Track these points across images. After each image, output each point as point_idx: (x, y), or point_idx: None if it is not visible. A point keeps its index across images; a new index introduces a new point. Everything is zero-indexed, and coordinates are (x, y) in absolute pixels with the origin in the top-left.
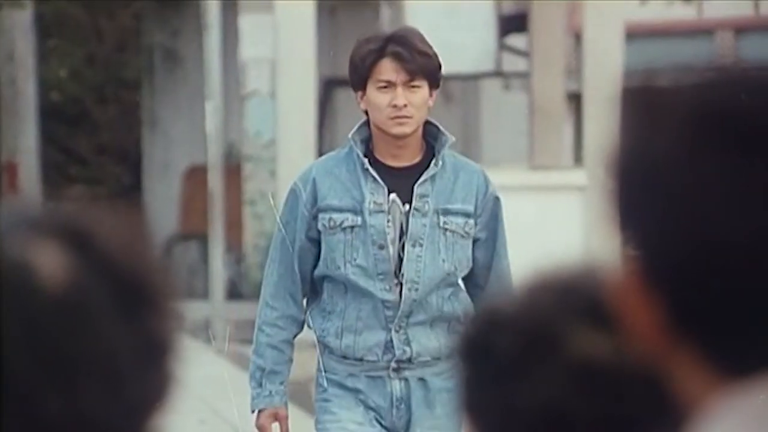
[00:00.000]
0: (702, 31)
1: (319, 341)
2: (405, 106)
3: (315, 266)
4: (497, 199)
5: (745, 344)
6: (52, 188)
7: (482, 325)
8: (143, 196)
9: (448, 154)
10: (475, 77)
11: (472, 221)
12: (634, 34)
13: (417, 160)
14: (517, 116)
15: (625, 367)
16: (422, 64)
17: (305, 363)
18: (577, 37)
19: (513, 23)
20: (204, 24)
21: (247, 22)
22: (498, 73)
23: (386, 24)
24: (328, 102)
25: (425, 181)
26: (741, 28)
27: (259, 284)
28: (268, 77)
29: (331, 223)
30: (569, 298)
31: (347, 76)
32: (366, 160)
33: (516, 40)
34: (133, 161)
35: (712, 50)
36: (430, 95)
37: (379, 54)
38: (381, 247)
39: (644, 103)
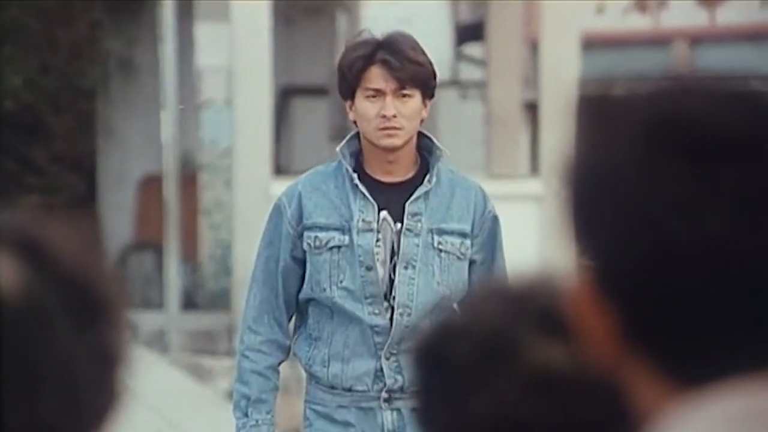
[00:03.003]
0: (658, 41)
1: (305, 370)
2: (394, 116)
3: (300, 288)
4: (496, 218)
5: (698, 353)
6: (7, 198)
7: (438, 334)
8: (98, 206)
9: (444, 169)
10: None
11: (468, 242)
12: (591, 44)
13: (410, 175)
14: (474, 125)
15: (580, 376)
16: (413, 73)
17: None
18: (534, 47)
19: (470, 32)
20: (160, 32)
21: (203, 31)
22: (455, 83)
23: (343, 33)
24: (284, 111)
25: (418, 198)
26: (697, 38)
27: (214, 294)
28: (224, 86)
29: (317, 243)
30: (524, 307)
31: (304, 84)
32: (355, 175)
33: (473, 50)
34: (88, 170)
35: (668, 60)
36: (424, 105)
37: (368, 61)
38: (369, 269)
39: (600, 112)
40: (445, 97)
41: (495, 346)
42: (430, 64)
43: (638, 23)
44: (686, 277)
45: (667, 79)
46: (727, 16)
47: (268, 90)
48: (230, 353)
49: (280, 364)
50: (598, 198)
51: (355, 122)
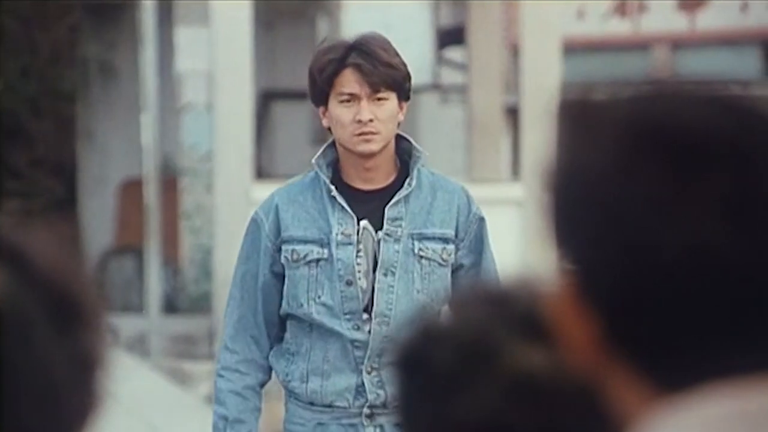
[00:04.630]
0: (639, 45)
1: (283, 386)
2: (371, 120)
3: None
4: (482, 219)
5: (679, 358)
6: None
7: (418, 338)
8: (78, 210)
9: (425, 172)
10: (412, 90)
11: (451, 247)
12: (572, 49)
13: (390, 180)
14: (455, 130)
15: (562, 381)
16: (386, 76)
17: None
18: (515, 51)
19: (450, 36)
20: (140, 36)
21: (183, 35)
22: (435, 87)
23: (323, 37)
24: (265, 115)
25: (398, 202)
26: (677, 43)
27: (195, 298)
28: (204, 90)
29: (295, 256)
30: (505, 312)
31: (285, 88)
32: (333, 187)
33: (454, 54)
34: (68, 175)
35: (649, 65)
36: (400, 108)
37: (340, 65)
38: (349, 284)
39: (581, 117)
40: (425, 101)
41: (476, 351)
42: (404, 65)
43: (619, 28)
44: (668, 282)
45: (647, 84)
46: (708, 21)
47: (249, 94)
48: (211, 357)
49: (262, 385)
50: (580, 203)
51: (329, 129)
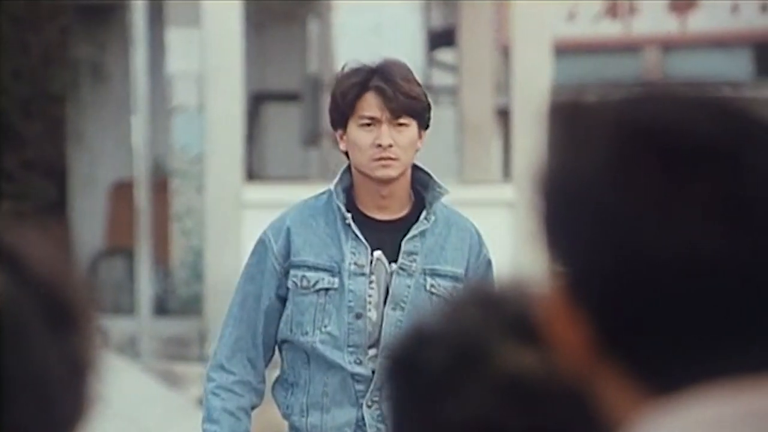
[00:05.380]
0: (629, 47)
1: (284, 418)
2: (390, 146)
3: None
4: (489, 263)
5: (671, 360)
6: None
7: (409, 342)
8: (69, 212)
9: (440, 206)
10: None
11: (460, 286)
12: (563, 51)
13: (405, 212)
14: (446, 131)
15: (553, 383)
16: (406, 105)
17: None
18: (506, 53)
19: (441, 38)
20: (130, 38)
21: (174, 36)
22: (426, 88)
23: (314, 39)
24: (256, 116)
25: (414, 236)
26: (668, 45)
27: (186, 300)
28: (195, 91)
29: (304, 282)
30: (497, 314)
31: (276, 90)
32: (348, 215)
33: (444, 55)
34: (58, 176)
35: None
36: (419, 136)
37: (362, 88)
38: (358, 317)
39: (572, 119)
40: None
41: (467, 353)
42: (425, 95)
43: (609, 29)
44: (659, 285)
45: (639, 86)
46: (698, 23)
47: (240, 95)
48: (202, 359)
49: (253, 408)
50: (571, 205)
51: (346, 154)
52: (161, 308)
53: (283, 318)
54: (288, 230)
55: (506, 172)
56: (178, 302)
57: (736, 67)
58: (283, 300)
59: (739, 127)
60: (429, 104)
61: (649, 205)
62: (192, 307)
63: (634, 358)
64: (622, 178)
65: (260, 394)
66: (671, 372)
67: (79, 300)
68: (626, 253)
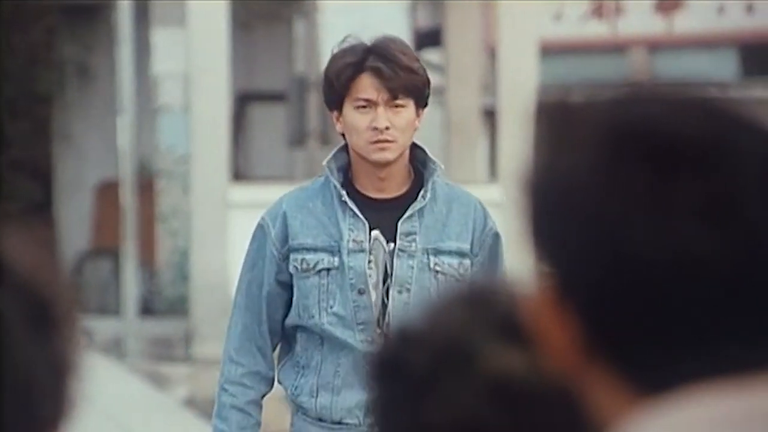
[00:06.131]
0: (616, 47)
1: (291, 400)
2: (387, 128)
3: (286, 314)
4: (497, 235)
5: (659, 361)
6: None
7: (394, 342)
8: (55, 212)
9: (440, 183)
10: None
11: (467, 261)
12: (549, 51)
13: (404, 190)
14: (432, 131)
15: (540, 384)
16: (406, 81)
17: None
18: (492, 53)
19: (428, 38)
20: (116, 38)
21: (159, 36)
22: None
23: (300, 39)
24: (242, 116)
25: (411, 216)
26: (655, 46)
27: (172, 300)
28: (180, 91)
29: (304, 265)
30: (483, 314)
31: (262, 90)
32: (344, 192)
33: (431, 56)
34: (44, 176)
35: (626, 67)
36: (417, 116)
37: (358, 68)
38: (361, 293)
39: (559, 119)
40: None
41: (453, 354)
42: (424, 70)
43: (596, 30)
44: (647, 285)
45: (625, 87)
46: (684, 24)
47: (226, 96)
48: (187, 360)
49: (263, 397)
50: (558, 205)
51: (342, 134)
52: (147, 309)
53: (293, 304)
54: (284, 214)
55: (492, 172)
56: (163, 303)
57: (722, 67)
58: (285, 285)
59: (725, 128)
60: (428, 80)
61: (637, 205)
62: (178, 307)
63: (622, 359)
64: (609, 179)
65: (270, 383)
66: (659, 372)
67: (63, 301)
68: (613, 253)
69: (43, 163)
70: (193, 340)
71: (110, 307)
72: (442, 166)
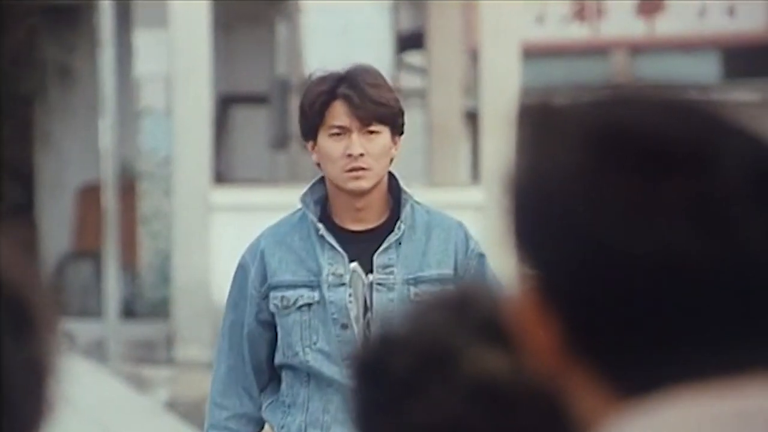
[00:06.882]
0: (598, 50)
1: None
2: (362, 155)
3: (271, 354)
4: (482, 256)
5: (642, 362)
6: None
7: (377, 345)
8: (36, 214)
9: (419, 210)
10: None
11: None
12: (531, 54)
13: (383, 220)
14: (414, 134)
15: (522, 385)
16: (375, 113)
17: None
18: (474, 55)
19: (410, 40)
20: (98, 39)
21: (141, 38)
22: (395, 91)
23: (283, 40)
24: (224, 119)
25: (388, 248)
26: (636, 48)
27: (154, 303)
28: (163, 93)
29: (284, 302)
30: (465, 316)
31: (244, 92)
32: (321, 226)
33: (413, 58)
34: (25, 179)
35: (608, 70)
36: (393, 142)
37: (330, 96)
38: (344, 327)
39: (542, 122)
40: None
41: (435, 356)
42: (396, 101)
43: (578, 32)
44: (630, 287)
45: (607, 89)
46: (666, 26)
47: (208, 98)
48: (169, 363)
49: None
50: (541, 207)
51: (318, 164)
52: (129, 311)
53: (277, 343)
54: (262, 252)
55: (475, 174)
56: (145, 305)
57: (704, 69)
58: (266, 324)
59: (707, 130)
60: (401, 110)
61: (619, 207)
62: (160, 310)
63: (604, 360)
64: (591, 181)
65: (260, 424)
66: (642, 374)
67: (43, 304)
68: (596, 255)
69: (24, 164)
70: (174, 342)
71: (92, 310)
72: (413, 198)
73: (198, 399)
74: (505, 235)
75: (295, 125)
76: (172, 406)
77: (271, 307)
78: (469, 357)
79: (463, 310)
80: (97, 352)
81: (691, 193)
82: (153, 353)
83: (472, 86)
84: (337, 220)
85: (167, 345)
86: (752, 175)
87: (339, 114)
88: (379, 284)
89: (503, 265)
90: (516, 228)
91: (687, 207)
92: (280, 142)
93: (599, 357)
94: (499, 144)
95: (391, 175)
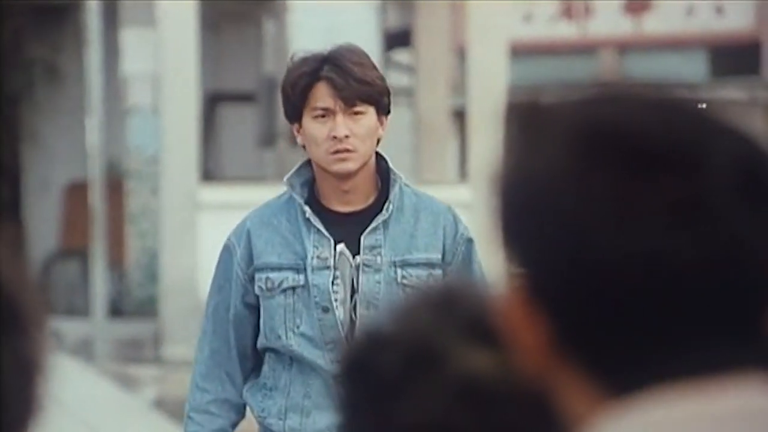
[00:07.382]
0: (586, 48)
1: (258, 423)
2: (347, 136)
3: (256, 338)
4: (470, 241)
5: (629, 361)
6: None
7: (364, 344)
8: (23, 213)
9: (408, 192)
10: None
11: (438, 272)
12: (519, 52)
13: (371, 201)
14: (402, 132)
15: (510, 385)
16: (360, 92)
17: None
18: (462, 54)
19: (398, 38)
20: (85, 38)
21: (128, 37)
22: None
23: (270, 39)
24: (211, 117)
25: (375, 229)
26: (624, 46)
27: (141, 302)
28: (150, 92)
29: (269, 284)
30: (452, 315)
31: (231, 90)
32: (307, 208)
33: (401, 56)
34: (12, 177)
35: (596, 68)
36: (380, 122)
37: (313, 78)
38: (326, 311)
39: (529, 120)
40: None
41: (422, 355)
42: (381, 79)
43: (566, 31)
44: (617, 286)
45: (595, 87)
46: (654, 25)
47: (195, 96)
48: (157, 361)
49: (234, 426)
50: (529, 206)
51: (304, 147)
52: (116, 310)
53: (261, 326)
54: (248, 233)
55: (462, 173)
56: (133, 304)
57: (692, 68)
58: (252, 308)
59: (695, 128)
60: (387, 89)
61: (607, 205)
62: (147, 308)
63: (591, 359)
64: (579, 179)
65: (241, 410)
66: (630, 373)
67: (30, 302)
68: (584, 253)
69: (11, 163)
70: (162, 341)
71: (79, 308)
72: (403, 177)
73: (185, 398)
74: (492, 233)
75: (282, 123)
76: (160, 404)
77: (256, 290)
78: (456, 356)
79: (450, 309)
80: (84, 350)
81: (679, 191)
82: (140, 352)
83: (459, 84)
84: (325, 202)
85: (155, 344)
86: (740, 173)
87: (322, 95)
88: (366, 265)
89: (491, 264)
90: (503, 226)
91: (674, 205)
92: (268, 140)
93: (587, 356)
94: (487, 142)
95: (379, 155)
